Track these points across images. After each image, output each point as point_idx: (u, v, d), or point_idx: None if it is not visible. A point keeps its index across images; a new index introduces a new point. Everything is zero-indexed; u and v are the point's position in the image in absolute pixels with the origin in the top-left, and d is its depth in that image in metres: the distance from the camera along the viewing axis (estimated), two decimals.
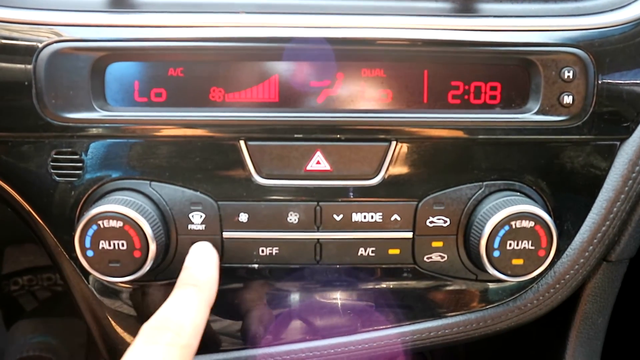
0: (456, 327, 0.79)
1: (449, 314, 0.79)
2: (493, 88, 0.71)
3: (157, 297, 0.76)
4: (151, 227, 0.67)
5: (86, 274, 0.75)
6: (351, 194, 0.73)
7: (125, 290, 0.77)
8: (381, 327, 0.79)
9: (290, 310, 0.79)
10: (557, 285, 0.77)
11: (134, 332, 0.78)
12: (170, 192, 0.72)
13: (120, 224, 0.67)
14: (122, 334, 0.79)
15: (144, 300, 0.77)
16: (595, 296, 0.82)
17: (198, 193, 0.72)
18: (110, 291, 0.77)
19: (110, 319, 0.78)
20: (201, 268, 0.68)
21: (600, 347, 0.88)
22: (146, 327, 0.59)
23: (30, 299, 1.36)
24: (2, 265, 1.33)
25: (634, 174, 0.73)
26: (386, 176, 0.72)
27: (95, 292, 0.77)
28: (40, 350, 1.27)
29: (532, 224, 0.69)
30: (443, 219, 0.73)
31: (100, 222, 0.67)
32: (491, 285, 0.78)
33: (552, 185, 0.74)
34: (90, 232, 0.67)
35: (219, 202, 0.72)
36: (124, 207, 0.67)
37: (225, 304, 0.77)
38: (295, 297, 0.78)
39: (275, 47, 0.69)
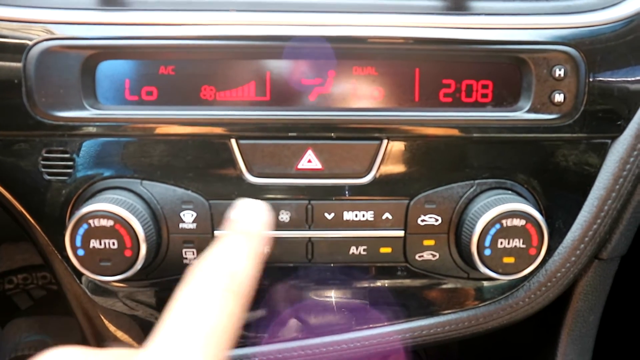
0: (448, 325, 0.79)
1: (441, 312, 0.79)
2: (484, 86, 0.71)
3: (149, 296, 0.76)
4: (142, 226, 0.67)
5: (78, 273, 0.75)
6: (346, 192, 0.72)
7: (117, 290, 0.76)
8: (373, 325, 0.79)
9: (283, 309, 0.79)
10: (549, 283, 0.77)
11: (126, 331, 0.78)
12: (161, 190, 0.71)
13: (111, 222, 0.67)
14: (114, 333, 0.78)
15: (136, 299, 0.76)
16: (587, 294, 0.82)
17: (189, 192, 0.71)
18: (103, 290, 0.76)
19: (102, 317, 0.78)
20: (251, 222, 0.59)
21: (591, 345, 0.88)
22: (197, 270, 0.52)
23: (25, 297, 1.35)
24: None
25: (624, 172, 0.73)
26: (377, 175, 0.72)
27: (87, 291, 0.76)
28: (35, 349, 1.26)
29: (523, 222, 0.69)
30: (434, 218, 0.73)
31: (91, 221, 0.67)
32: (483, 284, 0.78)
33: (543, 184, 0.74)
34: (81, 231, 0.67)
35: (210, 201, 0.71)
36: (115, 206, 0.67)
37: None
38: (287, 295, 0.78)
39: (267, 45, 0.68)
